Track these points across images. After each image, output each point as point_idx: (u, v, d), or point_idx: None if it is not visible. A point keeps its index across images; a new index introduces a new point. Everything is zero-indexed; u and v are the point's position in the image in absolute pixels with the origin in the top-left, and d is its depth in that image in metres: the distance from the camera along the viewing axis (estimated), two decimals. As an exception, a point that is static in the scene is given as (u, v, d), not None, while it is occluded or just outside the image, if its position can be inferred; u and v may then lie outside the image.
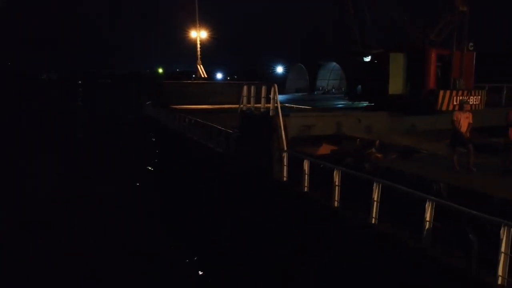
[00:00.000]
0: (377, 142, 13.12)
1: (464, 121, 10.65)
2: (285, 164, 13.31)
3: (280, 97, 41.78)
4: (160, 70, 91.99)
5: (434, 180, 9.84)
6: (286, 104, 29.13)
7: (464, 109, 10.77)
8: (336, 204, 10.55)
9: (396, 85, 16.78)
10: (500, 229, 6.68)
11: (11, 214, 17.76)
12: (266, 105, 15.32)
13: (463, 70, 16.29)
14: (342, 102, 28.34)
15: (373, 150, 12.57)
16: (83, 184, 22.81)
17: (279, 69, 75.37)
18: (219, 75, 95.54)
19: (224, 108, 28.78)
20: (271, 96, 14.82)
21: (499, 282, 6.74)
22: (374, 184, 9.26)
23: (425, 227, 8.09)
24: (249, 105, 16.26)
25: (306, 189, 11.95)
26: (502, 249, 6.70)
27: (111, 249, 14.28)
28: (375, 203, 9.25)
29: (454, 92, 15.52)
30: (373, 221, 9.30)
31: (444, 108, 15.38)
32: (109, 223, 16.49)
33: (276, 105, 14.41)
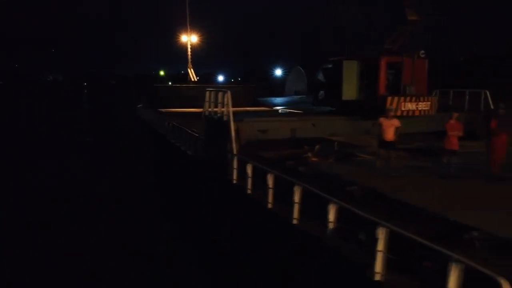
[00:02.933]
0: (318, 146, 13.88)
1: (388, 126, 11.37)
2: (234, 167, 14.02)
3: (279, 100, 42.42)
4: (162, 72, 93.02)
5: (350, 182, 10.62)
6: (278, 108, 29.89)
7: (388, 115, 11.47)
8: (270, 205, 11.27)
9: (350, 91, 17.54)
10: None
11: (11, 214, 17.92)
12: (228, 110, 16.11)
13: (415, 76, 16.96)
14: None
15: (310, 154, 13.34)
16: (83, 184, 22.94)
17: (278, 72, 76.07)
18: (220, 78, 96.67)
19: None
20: (225, 102, 15.70)
21: (377, 278, 7.36)
22: (295, 187, 10.05)
23: (328, 227, 8.83)
24: (210, 109, 17.06)
25: (249, 191, 12.67)
26: (379, 248, 7.30)
27: (111, 249, 14.40)
28: (296, 204, 9.99)
29: (402, 98, 16.21)
30: (294, 222, 10.04)
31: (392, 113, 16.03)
32: (108, 223, 16.67)
33: (228, 110, 15.21)
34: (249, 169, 12.69)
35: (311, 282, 9.05)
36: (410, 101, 16.36)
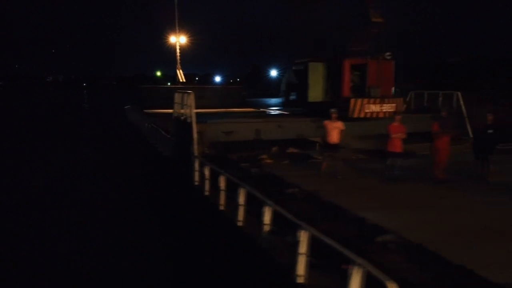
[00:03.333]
0: (275, 148, 13.94)
1: (332, 129, 11.41)
2: (196, 169, 14.12)
3: (273, 101, 42.28)
4: (158, 73, 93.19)
5: (292, 185, 10.71)
6: (271, 109, 29.87)
7: (332, 118, 11.50)
8: (222, 207, 11.36)
9: (315, 93, 17.55)
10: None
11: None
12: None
13: (381, 78, 16.94)
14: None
15: (264, 156, 13.40)
16: (75, 183, 22.91)
17: (273, 73, 76.42)
18: (217, 78, 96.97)
19: (199, 112, 29.61)
20: (188, 103, 15.81)
21: (300, 281, 7.41)
22: (239, 189, 10.12)
23: (263, 229, 8.90)
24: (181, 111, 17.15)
25: (207, 193, 12.77)
26: (301, 250, 7.34)
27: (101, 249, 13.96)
28: (241, 207, 10.06)
29: (366, 100, 16.20)
30: (239, 224, 10.12)
31: (355, 115, 16.06)
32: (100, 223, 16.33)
33: (192, 111, 15.31)
34: (206, 171, 12.81)
35: (240, 283, 9.13)
36: (374, 103, 16.35)
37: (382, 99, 16.50)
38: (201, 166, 13.34)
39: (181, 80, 41.44)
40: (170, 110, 31.56)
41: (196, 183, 13.95)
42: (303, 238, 7.34)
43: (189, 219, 13.13)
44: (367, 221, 8.10)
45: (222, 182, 11.48)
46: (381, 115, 16.47)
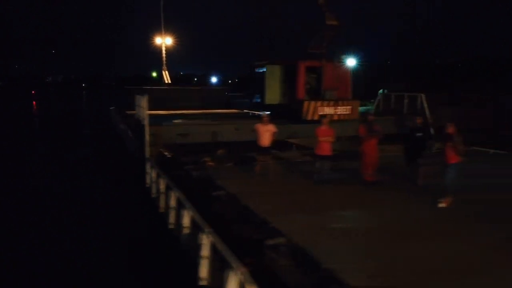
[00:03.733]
0: (221, 151, 14.11)
1: (264, 132, 11.56)
2: (147, 171, 14.34)
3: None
4: (154, 74, 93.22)
5: (219, 187, 10.91)
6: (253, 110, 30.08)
7: (263, 121, 11.65)
8: (161, 210, 11.57)
9: (273, 95, 17.73)
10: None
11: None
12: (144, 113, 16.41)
13: (338, 81, 17.09)
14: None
15: (207, 159, 13.58)
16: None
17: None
18: (214, 79, 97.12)
19: (183, 113, 30.04)
20: (142, 105, 16.05)
21: (202, 283, 7.56)
22: (170, 192, 10.35)
23: (181, 232, 9.12)
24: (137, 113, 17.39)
25: (153, 195, 12.99)
26: (203, 253, 7.47)
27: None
28: (171, 210, 10.27)
29: (319, 103, 16.34)
30: (170, 226, 10.34)
31: (309, 117, 16.21)
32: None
33: (145, 114, 15.53)
34: (154, 174, 13.05)
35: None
36: (328, 105, 16.48)
37: (337, 102, 16.64)
38: (151, 168, 13.61)
39: (166, 81, 41.70)
40: (153, 111, 31.83)
41: (147, 185, 14.21)
42: (205, 241, 7.53)
43: (132, 219, 13.30)
44: (270, 224, 8.25)
45: (161, 185, 11.74)
46: (335, 117, 16.60)
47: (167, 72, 41.96)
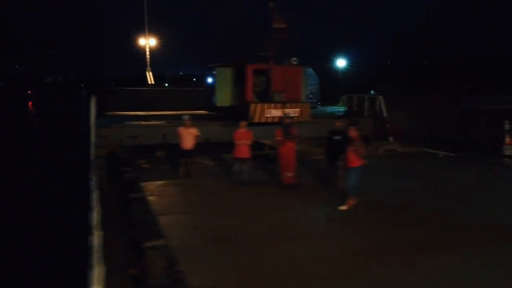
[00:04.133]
0: (159, 153, 14.29)
1: (186, 135, 11.73)
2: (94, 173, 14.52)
3: None
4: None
5: (139, 190, 11.11)
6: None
7: (186, 124, 11.82)
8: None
9: (224, 97, 17.90)
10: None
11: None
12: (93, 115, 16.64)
13: (288, 83, 17.19)
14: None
15: (142, 161, 13.79)
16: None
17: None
18: (209, 80, 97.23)
19: (164, 114, 30.32)
20: (91, 107, 16.27)
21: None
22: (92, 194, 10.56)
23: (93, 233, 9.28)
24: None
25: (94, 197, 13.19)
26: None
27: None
28: (95, 212, 10.45)
29: (266, 105, 16.46)
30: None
31: (256, 120, 16.30)
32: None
33: (92, 116, 15.75)
34: (94, 176, 13.28)
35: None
36: (275, 107, 16.59)
37: (284, 104, 16.74)
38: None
39: (150, 82, 41.96)
40: (132, 113, 32.34)
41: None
42: (96, 242, 7.73)
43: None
44: (158, 226, 8.41)
45: (93, 187, 11.96)
46: (283, 119, 16.70)
47: (151, 73, 42.25)
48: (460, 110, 19.35)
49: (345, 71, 58.72)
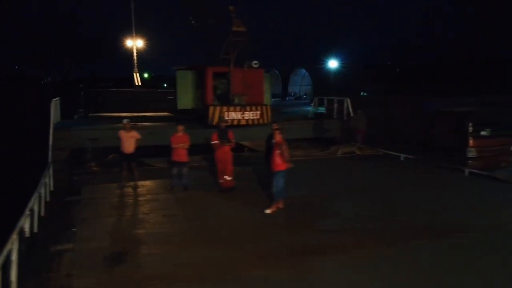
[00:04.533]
0: (111, 156, 14.43)
1: (127, 138, 11.86)
2: (50, 174, 14.67)
3: None
4: (146, 75, 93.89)
5: (78, 193, 11.35)
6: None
7: (126, 128, 11.94)
8: (42, 214, 11.94)
9: (185, 100, 18.00)
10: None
11: None
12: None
13: (249, 86, 17.30)
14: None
15: (93, 164, 13.95)
16: None
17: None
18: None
19: (146, 115, 30.56)
20: (51, 111, 16.47)
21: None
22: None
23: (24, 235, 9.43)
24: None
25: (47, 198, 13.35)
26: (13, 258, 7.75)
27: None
28: (28, 213, 10.60)
29: (225, 108, 16.57)
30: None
31: (214, 122, 16.38)
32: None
33: (51, 118, 15.92)
34: (46, 178, 13.46)
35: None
36: (234, 110, 16.70)
37: (244, 107, 16.85)
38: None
39: (136, 83, 42.16)
40: (115, 114, 32.53)
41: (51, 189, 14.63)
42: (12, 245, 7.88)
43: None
44: (73, 229, 8.60)
45: (42, 188, 12.12)
46: (242, 122, 16.83)
47: (137, 74, 42.46)
48: (423, 112, 19.46)
49: (336, 72, 58.90)
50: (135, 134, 11.92)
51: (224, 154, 11.15)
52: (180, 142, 11.26)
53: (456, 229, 8.48)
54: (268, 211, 9.57)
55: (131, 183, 11.95)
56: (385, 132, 19.66)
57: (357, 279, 6.35)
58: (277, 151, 9.57)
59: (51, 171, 13.45)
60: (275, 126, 11.38)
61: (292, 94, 73.06)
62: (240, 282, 6.32)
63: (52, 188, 12.72)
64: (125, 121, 12.04)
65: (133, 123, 18.13)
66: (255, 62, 17.35)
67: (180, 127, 11.41)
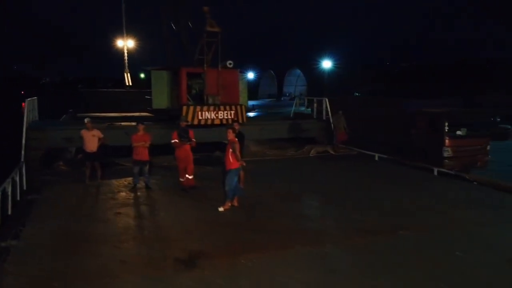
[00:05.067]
0: (80, 155, 14.49)
1: (90, 137, 11.95)
2: (23, 174, 14.72)
3: (253, 103, 44.25)
4: (142, 75, 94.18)
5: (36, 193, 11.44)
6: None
7: (88, 127, 12.02)
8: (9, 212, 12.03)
9: (160, 100, 18.06)
10: None
11: None
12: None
13: (223, 86, 17.36)
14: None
15: (61, 163, 14.02)
16: None
17: (250, 75, 76.84)
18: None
19: (133, 115, 30.64)
20: (25, 111, 16.54)
21: None
22: None
23: None
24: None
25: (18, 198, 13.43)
26: None
27: None
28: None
29: (198, 108, 16.62)
30: None
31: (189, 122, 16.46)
32: None
33: (24, 119, 16.00)
34: (13, 176, 13.54)
35: None
36: (208, 110, 16.75)
37: (218, 107, 16.90)
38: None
39: (127, 84, 42.25)
40: (102, 114, 32.59)
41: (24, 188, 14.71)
42: None
43: None
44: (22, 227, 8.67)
45: (8, 188, 12.20)
46: (217, 122, 16.87)
47: (129, 75, 42.54)
48: (403, 113, 19.48)
49: (330, 72, 58.95)
50: (97, 133, 12.00)
51: (185, 153, 11.21)
52: (141, 140, 11.32)
53: (394, 228, 8.47)
54: (221, 208, 9.64)
55: (95, 182, 12.01)
56: (367, 132, 19.75)
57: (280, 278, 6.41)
58: (230, 150, 9.62)
59: (23, 170, 13.59)
60: (236, 125, 11.49)
61: (287, 94, 73.15)
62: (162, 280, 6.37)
63: (25, 188, 12.94)
64: (86, 120, 12.11)
65: (109, 123, 18.41)
66: (230, 62, 17.40)
67: (141, 126, 11.48)
